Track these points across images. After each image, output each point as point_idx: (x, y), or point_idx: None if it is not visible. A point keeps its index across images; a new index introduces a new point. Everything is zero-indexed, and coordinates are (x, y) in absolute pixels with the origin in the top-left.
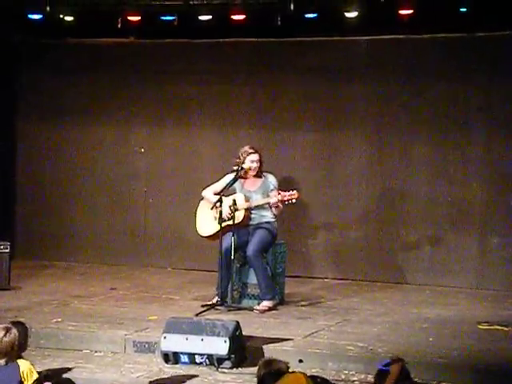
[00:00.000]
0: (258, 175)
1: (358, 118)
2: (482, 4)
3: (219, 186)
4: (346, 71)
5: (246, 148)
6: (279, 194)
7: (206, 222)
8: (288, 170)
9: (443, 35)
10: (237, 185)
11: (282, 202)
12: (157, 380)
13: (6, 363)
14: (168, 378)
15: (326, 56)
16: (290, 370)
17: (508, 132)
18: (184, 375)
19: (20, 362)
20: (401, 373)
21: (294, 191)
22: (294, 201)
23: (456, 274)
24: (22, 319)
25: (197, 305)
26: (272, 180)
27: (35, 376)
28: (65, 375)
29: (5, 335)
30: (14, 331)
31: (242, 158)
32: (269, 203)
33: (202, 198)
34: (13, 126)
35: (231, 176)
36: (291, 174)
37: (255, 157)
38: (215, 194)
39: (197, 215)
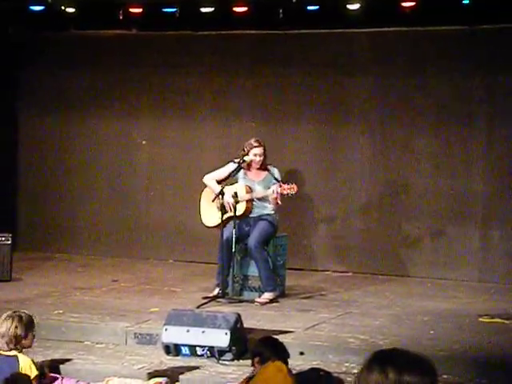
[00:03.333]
0: (262, 168)
1: (361, 110)
2: None
3: (222, 174)
4: (348, 64)
5: (252, 141)
6: (280, 186)
7: (211, 213)
8: (290, 162)
9: (445, 28)
10: (240, 173)
11: (281, 194)
12: (158, 371)
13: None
14: (169, 370)
15: (328, 48)
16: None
17: (510, 125)
18: (185, 367)
19: (20, 357)
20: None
21: (293, 184)
22: (293, 193)
23: (458, 266)
24: (24, 311)
25: (198, 297)
26: (276, 174)
27: (34, 373)
28: (66, 367)
29: (12, 322)
30: (19, 319)
31: (246, 150)
32: (268, 196)
33: (205, 186)
34: (15, 118)
35: (234, 165)
36: (293, 167)
37: (259, 150)
38: (218, 182)
39: (201, 205)
